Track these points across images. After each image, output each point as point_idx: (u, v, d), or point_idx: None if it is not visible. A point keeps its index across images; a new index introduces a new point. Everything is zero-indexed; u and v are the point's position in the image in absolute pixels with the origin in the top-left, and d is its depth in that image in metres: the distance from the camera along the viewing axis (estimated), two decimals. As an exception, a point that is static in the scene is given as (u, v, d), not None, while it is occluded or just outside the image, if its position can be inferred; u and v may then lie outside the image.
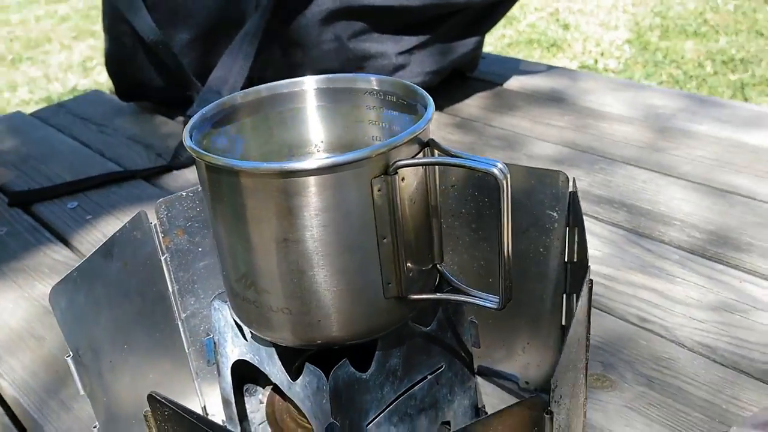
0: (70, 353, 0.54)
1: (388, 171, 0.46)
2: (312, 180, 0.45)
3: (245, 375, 0.64)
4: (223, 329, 0.59)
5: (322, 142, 0.52)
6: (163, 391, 0.65)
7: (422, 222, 0.50)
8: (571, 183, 0.61)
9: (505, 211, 0.45)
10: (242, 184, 0.46)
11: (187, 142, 0.50)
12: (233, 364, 0.59)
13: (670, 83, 2.65)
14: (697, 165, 1.11)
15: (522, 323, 0.69)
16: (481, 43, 1.34)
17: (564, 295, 0.65)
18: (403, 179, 0.47)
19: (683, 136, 1.20)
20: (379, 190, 0.46)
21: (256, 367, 0.70)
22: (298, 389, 0.52)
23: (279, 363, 0.54)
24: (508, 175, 0.44)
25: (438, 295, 0.51)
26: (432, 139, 0.48)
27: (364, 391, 0.53)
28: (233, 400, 0.61)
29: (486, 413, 0.64)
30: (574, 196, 0.61)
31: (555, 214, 0.63)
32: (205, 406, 0.72)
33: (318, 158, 0.44)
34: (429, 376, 0.57)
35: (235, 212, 0.47)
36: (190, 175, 1.22)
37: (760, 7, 3.69)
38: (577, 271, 0.62)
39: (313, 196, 0.45)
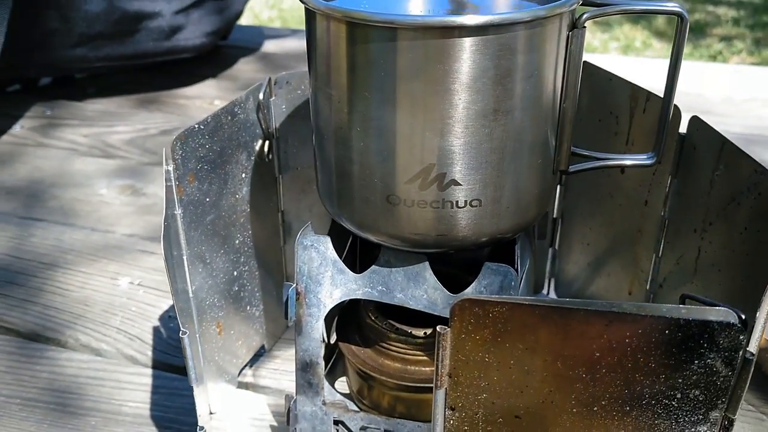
0: (185, 330, 0.39)
1: (578, 25, 0.43)
2: (528, 34, 0.39)
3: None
4: (316, 270, 0.48)
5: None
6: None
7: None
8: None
9: (681, 53, 0.45)
10: (450, 47, 0.38)
11: (321, 3, 0.40)
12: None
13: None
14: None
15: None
16: (247, 1, 1.27)
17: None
18: (581, 35, 0.44)
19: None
20: (572, 46, 0.43)
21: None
22: (467, 300, 0.45)
23: (432, 278, 0.46)
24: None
25: (592, 164, 0.49)
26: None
27: (518, 288, 0.48)
28: (321, 361, 0.50)
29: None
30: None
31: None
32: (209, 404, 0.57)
33: (530, 8, 0.39)
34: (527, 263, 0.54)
35: (427, 86, 0.39)
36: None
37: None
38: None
39: (526, 53, 0.40)
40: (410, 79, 0.39)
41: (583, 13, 0.43)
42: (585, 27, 0.43)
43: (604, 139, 0.61)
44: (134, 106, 1.15)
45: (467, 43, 0.38)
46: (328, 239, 0.48)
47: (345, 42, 0.40)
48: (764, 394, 0.60)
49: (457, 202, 0.43)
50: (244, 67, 1.30)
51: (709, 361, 0.33)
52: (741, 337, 0.32)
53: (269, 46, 1.40)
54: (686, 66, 1.46)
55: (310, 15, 0.43)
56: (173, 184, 0.49)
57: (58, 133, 1.07)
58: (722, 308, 0.33)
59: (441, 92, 0.39)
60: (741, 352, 0.33)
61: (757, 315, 0.32)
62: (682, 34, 0.44)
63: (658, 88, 0.51)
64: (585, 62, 0.61)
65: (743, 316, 0.33)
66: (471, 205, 0.43)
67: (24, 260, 0.78)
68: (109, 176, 0.95)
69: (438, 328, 0.35)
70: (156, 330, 0.68)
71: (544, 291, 0.73)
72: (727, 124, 1.10)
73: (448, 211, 0.43)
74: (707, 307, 0.33)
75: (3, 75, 1.08)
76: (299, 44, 1.41)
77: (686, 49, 3.08)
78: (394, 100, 0.40)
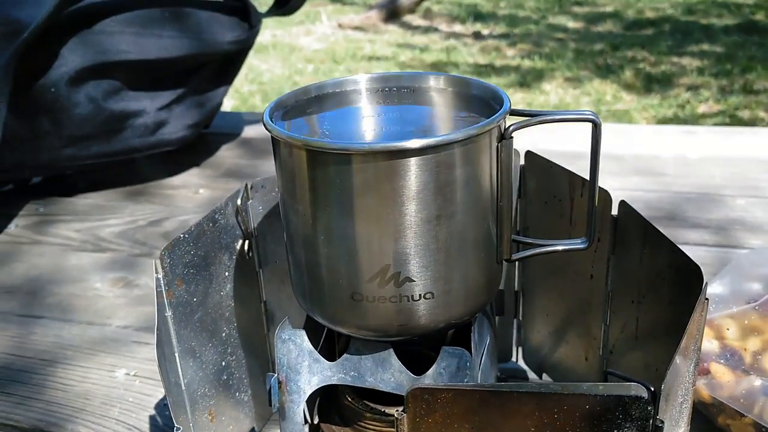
0: (179, 426, 0.45)
1: (505, 136, 0.50)
2: (463, 150, 0.46)
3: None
4: (295, 361, 0.54)
5: (402, 131, 0.52)
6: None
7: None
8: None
9: (598, 155, 0.52)
10: (396, 167, 0.45)
11: (283, 132, 0.47)
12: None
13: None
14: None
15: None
16: (226, 93, 1.35)
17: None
18: (509, 144, 0.51)
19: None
20: (501, 155, 0.49)
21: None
22: (429, 381, 0.51)
23: (397, 362, 0.52)
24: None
25: (532, 251, 0.55)
26: (515, 109, 0.52)
27: (474, 367, 0.54)
28: (304, 442, 0.55)
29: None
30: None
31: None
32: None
33: (464, 128, 0.46)
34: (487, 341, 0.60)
35: (379, 200, 0.46)
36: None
37: (335, 68, 4.26)
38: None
39: (462, 166, 0.47)
40: (364, 194, 0.46)
41: (510, 126, 0.50)
42: (512, 137, 0.50)
43: (550, 220, 0.67)
44: (123, 199, 1.22)
45: (410, 163, 0.45)
46: (303, 332, 0.54)
47: (306, 165, 0.47)
48: (716, 445, 0.66)
49: (412, 296, 0.49)
50: (227, 154, 1.37)
51: (625, 430, 0.39)
52: (649, 408, 0.38)
53: (249, 131, 1.48)
54: (642, 129, 1.54)
55: (275, 141, 0.50)
56: (163, 290, 0.55)
57: (52, 229, 1.13)
58: (634, 384, 0.39)
59: (391, 204, 0.46)
60: (651, 421, 0.38)
61: (662, 386, 0.38)
62: (596, 139, 0.51)
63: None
64: (528, 151, 0.68)
65: (653, 389, 0.39)
66: (425, 298, 0.49)
67: (25, 358, 0.83)
68: (102, 270, 1.01)
69: (395, 413, 0.40)
70: (152, 419, 0.73)
71: (513, 359, 0.79)
72: (680, 184, 1.18)
73: (405, 305, 0.49)
74: (622, 383, 0.39)
75: (-3, 178, 1.14)
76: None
77: (655, 100, 3.18)
78: (352, 212, 0.47)
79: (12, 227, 1.15)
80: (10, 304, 0.94)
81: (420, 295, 0.49)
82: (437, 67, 4.11)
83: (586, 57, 4.26)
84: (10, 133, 1.09)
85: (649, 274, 0.56)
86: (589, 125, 0.51)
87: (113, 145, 1.18)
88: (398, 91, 0.57)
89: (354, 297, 0.49)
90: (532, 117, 0.51)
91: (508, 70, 4.01)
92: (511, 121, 0.51)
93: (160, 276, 0.55)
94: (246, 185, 0.64)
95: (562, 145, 1.13)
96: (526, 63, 4.13)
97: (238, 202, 0.62)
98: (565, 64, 4.11)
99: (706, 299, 0.49)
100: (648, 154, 1.29)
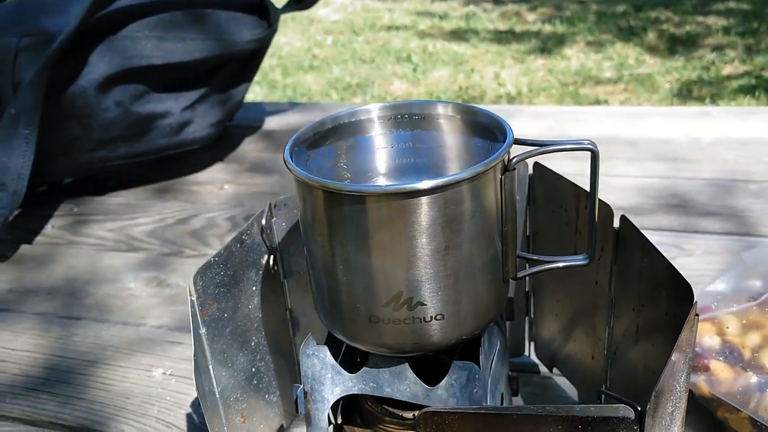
0: None
1: (508, 167, 0.53)
2: (469, 186, 0.50)
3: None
4: (319, 373, 0.59)
5: (413, 164, 0.56)
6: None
7: (513, 210, 0.58)
8: (530, 168, 0.73)
9: (597, 179, 0.56)
10: (407, 206, 0.49)
11: (302, 174, 0.51)
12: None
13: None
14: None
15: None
16: (247, 89, 1.38)
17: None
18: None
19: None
20: (505, 186, 0.53)
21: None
22: (441, 391, 0.56)
23: (412, 375, 0.56)
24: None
25: (536, 268, 0.59)
26: (517, 138, 0.56)
27: (486, 374, 0.59)
28: (329, 446, 0.60)
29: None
30: (532, 180, 0.73)
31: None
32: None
33: (471, 167, 0.50)
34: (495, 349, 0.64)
35: (391, 235, 0.50)
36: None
37: (354, 39, 4.26)
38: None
39: (468, 201, 0.51)
40: (378, 230, 0.50)
41: (513, 158, 0.53)
42: (515, 168, 0.53)
43: (557, 227, 0.71)
44: (151, 196, 1.27)
45: (421, 201, 0.49)
46: (326, 348, 0.58)
47: (323, 204, 0.51)
48: (716, 437, 0.70)
49: (424, 317, 0.53)
50: (249, 147, 1.42)
51: (615, 448, 0.43)
52: (635, 428, 0.42)
53: (271, 122, 1.52)
54: (656, 111, 1.56)
55: (295, 179, 0.54)
56: (197, 310, 0.60)
57: (86, 229, 1.19)
58: (622, 405, 0.43)
59: (402, 238, 0.50)
60: (637, 440, 0.43)
61: (648, 407, 0.42)
62: (595, 166, 0.55)
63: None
64: (537, 163, 0.72)
65: (639, 408, 0.43)
66: (436, 319, 0.53)
67: (69, 359, 0.89)
68: (135, 269, 1.06)
69: (409, 434, 0.45)
70: (189, 416, 0.78)
71: (526, 353, 0.83)
72: (695, 170, 1.20)
73: (418, 326, 0.53)
74: (611, 405, 0.43)
75: (31, 181, 1.20)
76: (300, 119, 1.53)
77: (679, 62, 3.13)
78: (367, 246, 0.51)
79: (49, 228, 1.21)
80: (52, 305, 1.00)
81: (431, 316, 0.53)
82: (457, 35, 4.09)
83: (608, 19, 4.21)
84: (43, 139, 1.14)
85: (647, 287, 0.59)
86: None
87: (141, 146, 1.23)
88: (409, 119, 0.60)
89: (371, 319, 0.54)
90: (534, 147, 0.54)
91: (529, 35, 3.98)
92: (514, 150, 0.54)
93: (194, 298, 0.60)
94: (269, 204, 0.68)
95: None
96: (547, 28, 4.10)
97: (263, 222, 0.67)
98: (587, 27, 4.07)
99: (696, 315, 0.52)
100: (661, 137, 1.31)
